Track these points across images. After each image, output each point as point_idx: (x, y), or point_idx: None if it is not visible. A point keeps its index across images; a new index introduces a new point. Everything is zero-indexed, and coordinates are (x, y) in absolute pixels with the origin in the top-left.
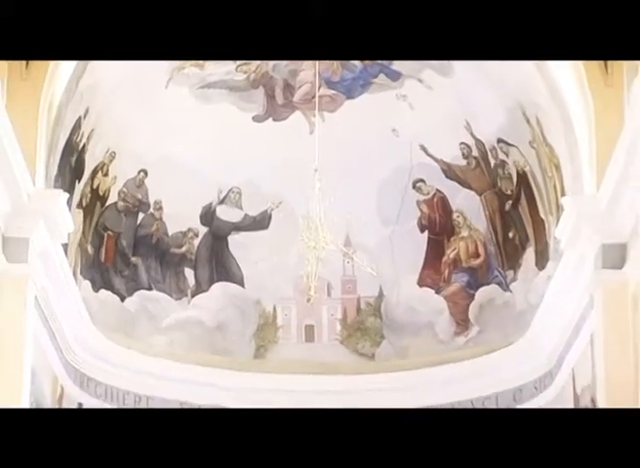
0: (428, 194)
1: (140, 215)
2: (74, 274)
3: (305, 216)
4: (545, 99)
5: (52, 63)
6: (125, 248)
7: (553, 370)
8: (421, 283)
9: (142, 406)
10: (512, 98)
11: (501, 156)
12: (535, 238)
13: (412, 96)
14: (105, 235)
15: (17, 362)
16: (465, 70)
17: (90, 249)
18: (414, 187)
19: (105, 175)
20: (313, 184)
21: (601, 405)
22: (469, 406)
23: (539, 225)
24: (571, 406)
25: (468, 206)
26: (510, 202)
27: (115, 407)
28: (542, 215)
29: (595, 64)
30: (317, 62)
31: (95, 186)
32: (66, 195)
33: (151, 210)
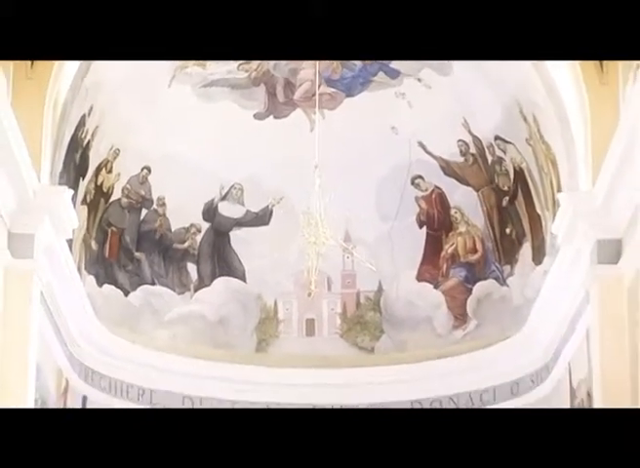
0: (427, 190)
1: (144, 212)
2: (79, 269)
3: (306, 212)
4: (542, 97)
5: (56, 62)
6: (129, 243)
7: (550, 364)
8: (420, 278)
9: (146, 398)
10: (509, 96)
11: (499, 153)
12: (531, 233)
13: (410, 94)
14: (109, 231)
15: (22, 355)
16: (463, 69)
17: (94, 244)
18: (412, 184)
19: (109, 171)
20: (314, 181)
21: (597, 398)
22: (467, 398)
23: (535, 221)
24: (567, 398)
25: (466, 202)
26: (507, 198)
27: (119, 399)
28: (539, 211)
29: (591, 63)
30: (317, 61)
31: (99, 183)
32: (71, 191)
33: (154, 206)
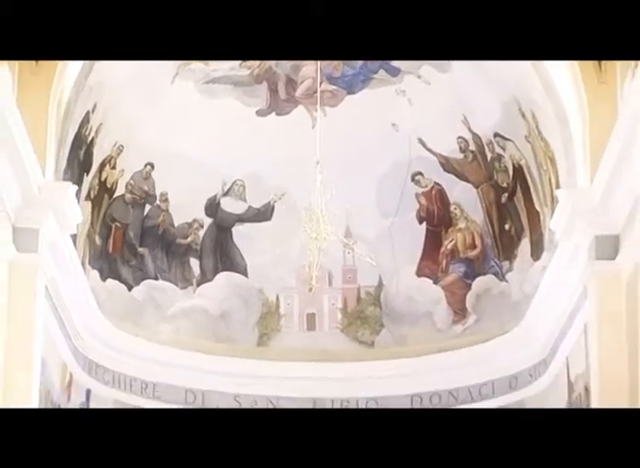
0: (427, 187)
1: (147, 207)
2: (83, 264)
3: (307, 208)
4: (541, 95)
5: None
6: (132, 238)
7: (548, 359)
8: (420, 273)
9: (149, 391)
10: (508, 94)
11: (498, 150)
12: (530, 230)
13: (411, 91)
14: (113, 226)
15: (27, 349)
16: (463, 67)
17: (98, 239)
18: (412, 180)
19: (113, 167)
20: (315, 177)
21: (594, 392)
22: (466, 392)
23: (534, 217)
24: (565, 392)
25: (465, 198)
26: (506, 194)
27: (122, 393)
28: (538, 208)
29: (589, 62)
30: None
31: (103, 179)
32: (75, 187)
33: (158, 202)
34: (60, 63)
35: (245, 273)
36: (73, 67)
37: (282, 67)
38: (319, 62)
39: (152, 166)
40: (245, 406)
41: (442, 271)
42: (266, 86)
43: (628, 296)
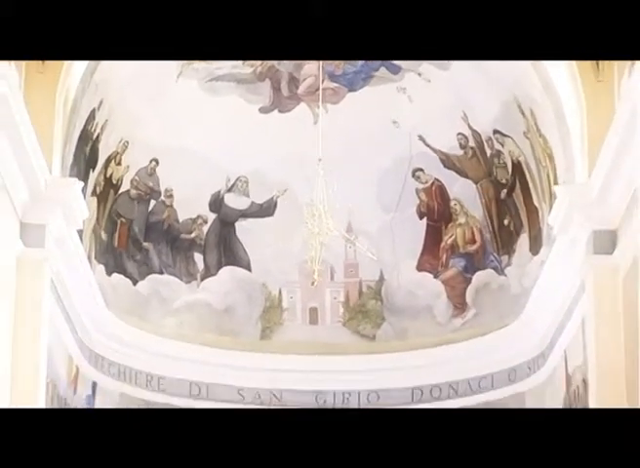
0: (427, 183)
1: (152, 203)
2: (89, 259)
3: (309, 204)
4: (539, 93)
5: None
6: (137, 233)
7: (546, 352)
8: (420, 267)
9: (154, 384)
10: (507, 92)
11: (497, 146)
12: (529, 225)
13: (411, 88)
14: (118, 221)
15: (34, 343)
16: (463, 65)
17: (104, 235)
18: (413, 176)
19: (118, 164)
20: (317, 173)
21: (592, 384)
22: (466, 385)
23: (532, 213)
24: (563, 385)
25: (465, 194)
26: (505, 190)
27: (128, 385)
28: (536, 203)
29: (587, 61)
30: None
31: (108, 175)
32: (81, 183)
33: (162, 197)
34: (67, 62)
35: (248, 268)
36: (79, 65)
37: (284, 65)
38: (321, 61)
39: (157, 162)
40: (248, 398)
41: (442, 266)
42: (269, 83)
43: (625, 290)
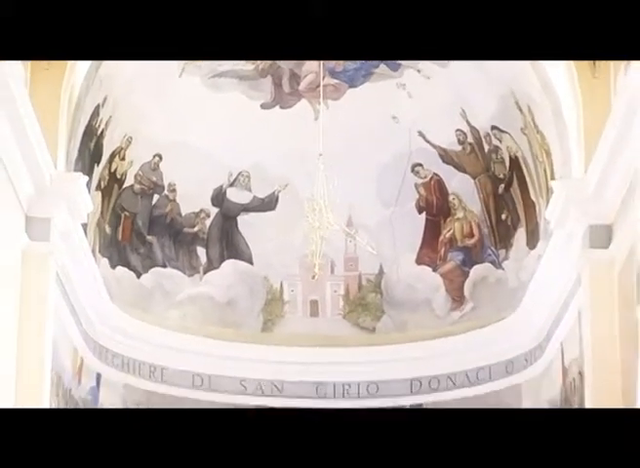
0: (426, 178)
1: (155, 197)
2: (93, 252)
3: (310, 198)
4: (537, 89)
5: None
6: (141, 227)
7: (543, 344)
8: (419, 261)
9: (157, 376)
10: (505, 88)
11: (495, 142)
12: (526, 219)
13: (411, 85)
14: (122, 215)
15: (39, 335)
16: (462, 62)
17: (108, 228)
18: (412, 171)
19: (122, 159)
20: (318, 168)
21: (588, 377)
22: (464, 377)
23: (529, 207)
24: (559, 377)
25: (463, 189)
26: (503, 185)
27: (132, 377)
28: (533, 198)
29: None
30: None
31: (112, 170)
32: (86, 178)
33: (165, 192)
34: None
35: (250, 261)
36: (84, 62)
37: (286, 62)
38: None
39: (160, 157)
40: (250, 389)
41: (441, 259)
42: (271, 80)
43: (621, 284)
